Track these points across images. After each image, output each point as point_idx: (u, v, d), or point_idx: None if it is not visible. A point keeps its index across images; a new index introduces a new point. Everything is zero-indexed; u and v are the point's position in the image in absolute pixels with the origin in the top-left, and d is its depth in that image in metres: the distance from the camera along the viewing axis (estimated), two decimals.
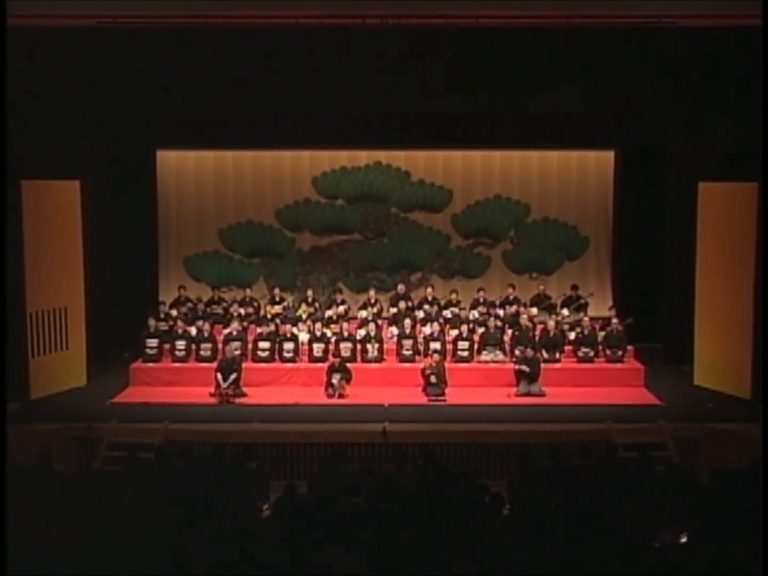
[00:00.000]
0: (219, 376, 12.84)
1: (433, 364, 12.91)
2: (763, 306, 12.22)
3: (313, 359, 13.79)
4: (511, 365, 13.34)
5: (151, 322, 14.10)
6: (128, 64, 13.21)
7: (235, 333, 13.97)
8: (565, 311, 14.92)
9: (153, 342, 13.93)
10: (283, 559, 6.41)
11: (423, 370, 12.98)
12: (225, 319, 14.76)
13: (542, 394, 12.88)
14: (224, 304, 15.38)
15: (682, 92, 13.56)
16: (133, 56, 13.10)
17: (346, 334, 14.00)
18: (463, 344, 13.87)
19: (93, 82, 13.27)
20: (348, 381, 12.95)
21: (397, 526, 6.93)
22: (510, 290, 15.38)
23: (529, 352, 13.15)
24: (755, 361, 12.50)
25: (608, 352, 13.89)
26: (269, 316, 14.72)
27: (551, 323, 14.05)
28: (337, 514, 7.30)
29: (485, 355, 13.81)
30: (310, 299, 15.27)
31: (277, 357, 13.86)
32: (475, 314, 14.78)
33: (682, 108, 13.84)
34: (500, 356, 13.77)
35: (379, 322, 14.56)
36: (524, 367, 12.93)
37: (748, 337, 12.66)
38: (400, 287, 15.57)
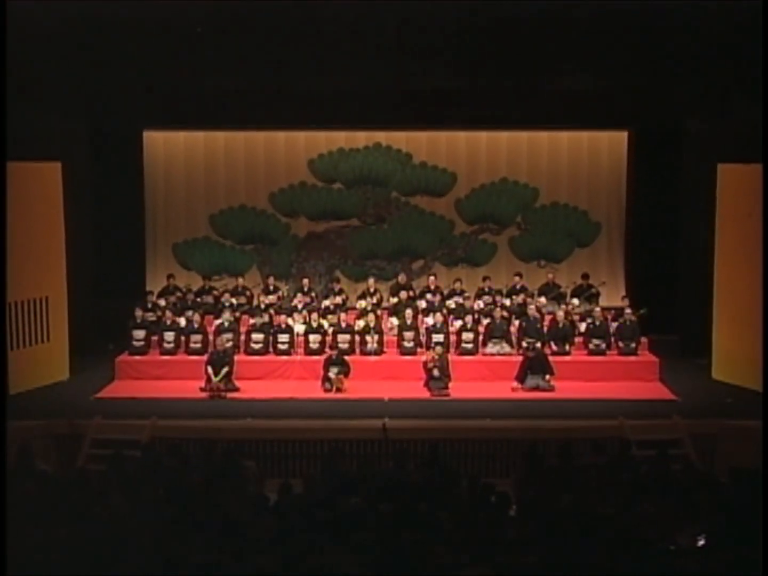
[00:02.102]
0: (210, 369, 12.83)
1: (436, 357, 12.89)
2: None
3: (309, 352, 13.78)
4: (518, 358, 13.31)
5: (138, 312, 14.09)
6: (112, 38, 13.11)
7: (226, 324, 13.95)
8: (576, 301, 14.90)
9: (140, 333, 13.92)
10: (278, 562, 6.39)
11: (425, 363, 12.97)
12: (216, 310, 14.75)
13: (551, 389, 12.87)
14: (215, 294, 15.37)
15: (700, 69, 13.46)
16: (118, 29, 12.99)
17: (343, 325, 13.99)
18: (468, 336, 13.86)
19: (74, 57, 13.17)
20: (346, 374, 12.93)
21: (397, 527, 6.92)
22: (517, 279, 15.38)
23: (538, 348, 13.10)
24: None
25: (621, 344, 13.87)
26: (263, 306, 14.69)
27: (560, 314, 14.04)
28: (334, 515, 7.28)
29: (491, 348, 13.80)
30: (306, 288, 15.25)
31: (271, 349, 13.86)
32: (480, 304, 14.77)
33: (700, 85, 13.76)
34: (506, 348, 13.77)
35: (379, 312, 14.56)
36: (530, 353, 12.88)
37: None
38: (401, 276, 15.57)
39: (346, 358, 13.18)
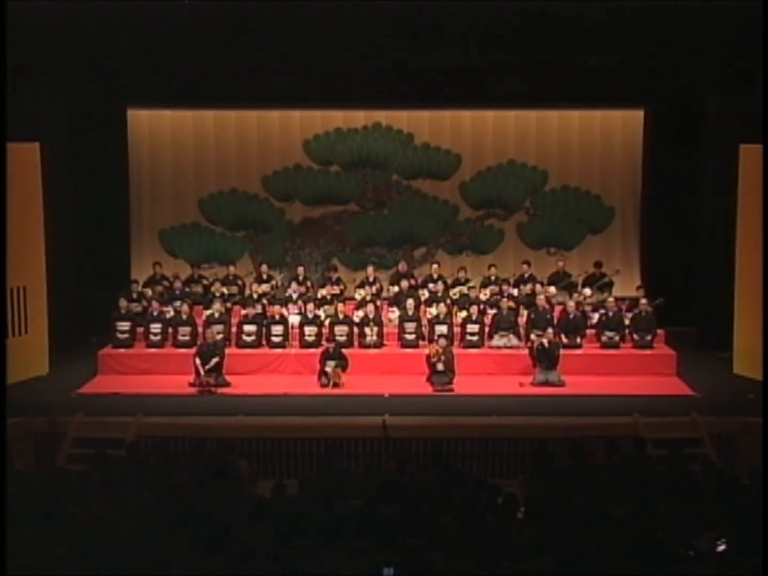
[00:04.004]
0: (199, 363, 12.79)
1: (439, 350, 12.87)
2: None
3: (305, 344, 13.76)
4: (526, 351, 13.29)
5: (123, 302, 14.05)
6: (94, 10, 13.03)
7: (216, 315, 13.93)
8: (588, 291, 14.86)
9: (124, 325, 13.89)
10: (271, 568, 6.38)
11: (428, 356, 12.95)
12: (206, 300, 14.72)
13: (561, 384, 12.85)
14: (204, 283, 15.33)
15: (721, 42, 13.39)
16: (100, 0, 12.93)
17: (341, 316, 13.96)
18: (473, 328, 13.83)
19: (54, 31, 13.10)
20: (344, 369, 12.92)
21: (398, 531, 6.90)
22: (525, 267, 15.34)
23: (549, 333, 13.07)
24: None
25: (636, 336, 13.84)
26: (255, 296, 14.67)
27: (571, 304, 14.00)
28: (331, 518, 7.27)
29: (497, 340, 13.77)
30: (301, 277, 15.21)
31: (264, 342, 13.83)
32: (486, 294, 14.74)
33: (722, 60, 13.68)
34: (514, 341, 13.74)
35: (379, 302, 14.52)
36: (543, 341, 12.84)
37: None
38: (402, 264, 15.53)
39: (344, 351, 13.15)
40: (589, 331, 14.01)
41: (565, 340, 13.64)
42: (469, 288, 14.83)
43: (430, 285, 14.98)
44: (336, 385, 12.76)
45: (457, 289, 14.93)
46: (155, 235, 16.29)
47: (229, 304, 14.50)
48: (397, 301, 14.60)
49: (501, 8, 13.40)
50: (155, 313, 14.01)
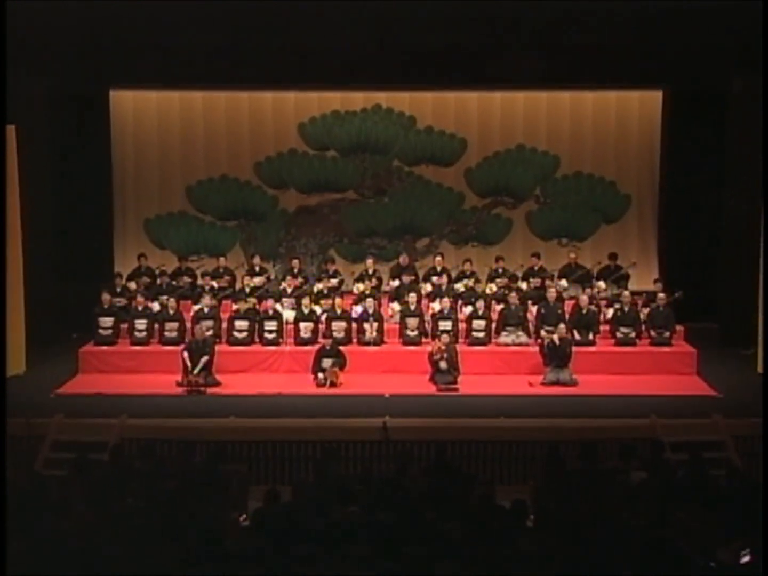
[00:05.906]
0: (187, 361, 12.80)
1: (442, 348, 12.88)
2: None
3: (300, 341, 13.78)
4: (536, 349, 13.30)
5: (105, 297, 14.08)
6: None
7: (206, 310, 13.97)
8: (602, 284, 14.92)
9: (107, 321, 13.93)
10: None
11: (431, 354, 12.96)
12: (194, 294, 14.76)
13: (573, 383, 12.86)
14: (192, 276, 15.35)
15: (745, 19, 13.35)
16: None
17: (339, 311, 13.97)
18: (479, 324, 13.85)
19: (31, 7, 13.06)
20: (341, 367, 12.94)
21: (399, 540, 6.90)
22: (535, 260, 15.36)
23: (561, 330, 13.07)
24: None
25: (653, 332, 13.87)
26: (247, 290, 14.69)
27: (584, 298, 14.02)
28: (327, 526, 7.26)
29: (505, 337, 13.79)
30: (296, 270, 15.24)
31: (256, 339, 13.86)
32: (492, 288, 14.76)
33: (745, 37, 13.64)
34: (523, 338, 13.76)
35: (379, 297, 14.52)
36: (554, 337, 12.84)
37: None
38: (403, 256, 15.56)
39: (342, 348, 13.17)
40: (603, 327, 14.04)
41: (577, 336, 13.67)
42: (475, 281, 14.86)
43: (434, 278, 15.01)
44: (333, 384, 12.77)
45: (462, 283, 14.95)
46: (140, 225, 16.33)
47: (219, 299, 14.53)
48: (398, 295, 14.62)
49: None
50: (140, 308, 14.03)
